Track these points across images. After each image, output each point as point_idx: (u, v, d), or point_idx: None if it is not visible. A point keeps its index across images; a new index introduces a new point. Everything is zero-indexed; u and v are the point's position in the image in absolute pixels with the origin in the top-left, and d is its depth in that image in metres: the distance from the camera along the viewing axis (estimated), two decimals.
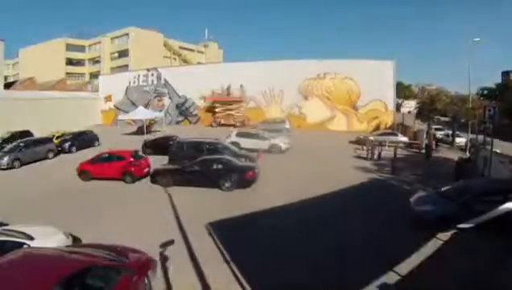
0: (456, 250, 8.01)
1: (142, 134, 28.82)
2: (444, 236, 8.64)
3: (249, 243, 8.50)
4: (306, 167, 17.30)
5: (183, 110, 41.78)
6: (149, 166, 15.57)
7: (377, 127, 33.17)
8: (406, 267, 7.06)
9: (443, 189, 10.72)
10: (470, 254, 7.77)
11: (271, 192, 12.86)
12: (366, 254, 7.76)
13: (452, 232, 8.79)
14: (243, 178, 13.22)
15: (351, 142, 25.11)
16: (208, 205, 11.59)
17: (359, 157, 20.12)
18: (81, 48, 64.57)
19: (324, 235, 8.98)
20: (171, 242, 8.24)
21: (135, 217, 10.49)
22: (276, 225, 9.55)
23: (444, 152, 22.86)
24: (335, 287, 6.48)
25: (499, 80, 53.23)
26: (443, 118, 47.35)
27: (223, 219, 10.03)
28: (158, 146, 20.97)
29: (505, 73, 55.74)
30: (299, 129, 32.85)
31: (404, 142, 24.11)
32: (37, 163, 19.32)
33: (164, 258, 7.44)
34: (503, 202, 9.00)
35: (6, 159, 18.17)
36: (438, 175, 15.96)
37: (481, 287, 6.55)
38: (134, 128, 33.36)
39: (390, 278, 6.67)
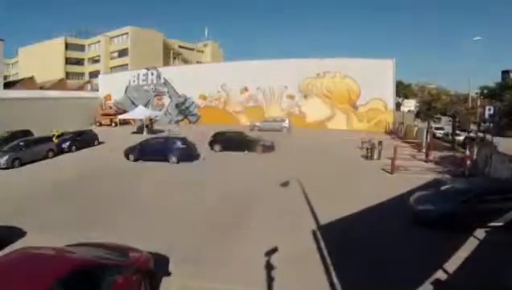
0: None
1: (142, 133, 28.88)
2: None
3: None
4: (306, 168, 17.36)
5: (183, 109, 41.81)
6: None
7: (385, 128, 33.54)
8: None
9: (443, 188, 10.74)
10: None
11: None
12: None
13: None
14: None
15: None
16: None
17: (361, 157, 20.21)
18: (81, 48, 64.45)
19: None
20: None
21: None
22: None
23: (444, 151, 22.85)
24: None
25: (499, 79, 53.16)
26: (443, 117, 47.44)
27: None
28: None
29: (505, 72, 55.68)
30: (298, 127, 32.93)
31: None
32: (37, 163, 19.26)
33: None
34: (503, 201, 9.04)
35: (5, 158, 18.06)
36: (438, 174, 15.97)
37: None
38: (134, 127, 33.37)
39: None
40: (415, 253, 7.90)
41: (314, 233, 9.04)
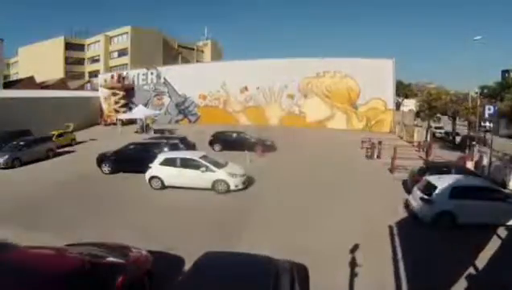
0: None
1: (143, 132, 28.93)
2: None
3: None
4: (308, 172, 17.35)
5: (183, 109, 41.76)
6: None
7: (390, 127, 33.61)
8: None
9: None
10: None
11: None
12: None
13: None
14: None
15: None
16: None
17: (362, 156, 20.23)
18: (81, 47, 64.35)
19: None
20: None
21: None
22: None
23: (446, 151, 22.91)
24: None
25: (499, 78, 53.23)
26: (443, 117, 47.60)
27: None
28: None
29: (506, 72, 55.74)
30: (298, 127, 32.89)
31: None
32: (38, 163, 19.23)
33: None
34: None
35: (5, 158, 18.06)
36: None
37: None
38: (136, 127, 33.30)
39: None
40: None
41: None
